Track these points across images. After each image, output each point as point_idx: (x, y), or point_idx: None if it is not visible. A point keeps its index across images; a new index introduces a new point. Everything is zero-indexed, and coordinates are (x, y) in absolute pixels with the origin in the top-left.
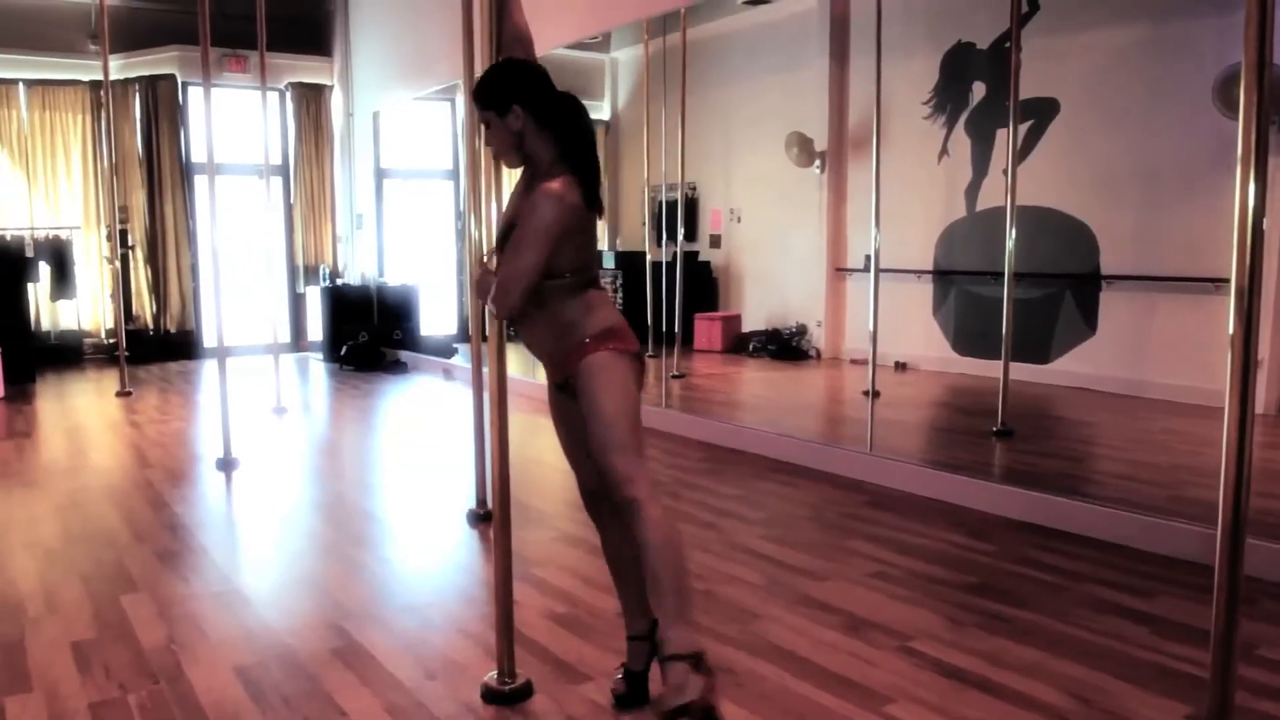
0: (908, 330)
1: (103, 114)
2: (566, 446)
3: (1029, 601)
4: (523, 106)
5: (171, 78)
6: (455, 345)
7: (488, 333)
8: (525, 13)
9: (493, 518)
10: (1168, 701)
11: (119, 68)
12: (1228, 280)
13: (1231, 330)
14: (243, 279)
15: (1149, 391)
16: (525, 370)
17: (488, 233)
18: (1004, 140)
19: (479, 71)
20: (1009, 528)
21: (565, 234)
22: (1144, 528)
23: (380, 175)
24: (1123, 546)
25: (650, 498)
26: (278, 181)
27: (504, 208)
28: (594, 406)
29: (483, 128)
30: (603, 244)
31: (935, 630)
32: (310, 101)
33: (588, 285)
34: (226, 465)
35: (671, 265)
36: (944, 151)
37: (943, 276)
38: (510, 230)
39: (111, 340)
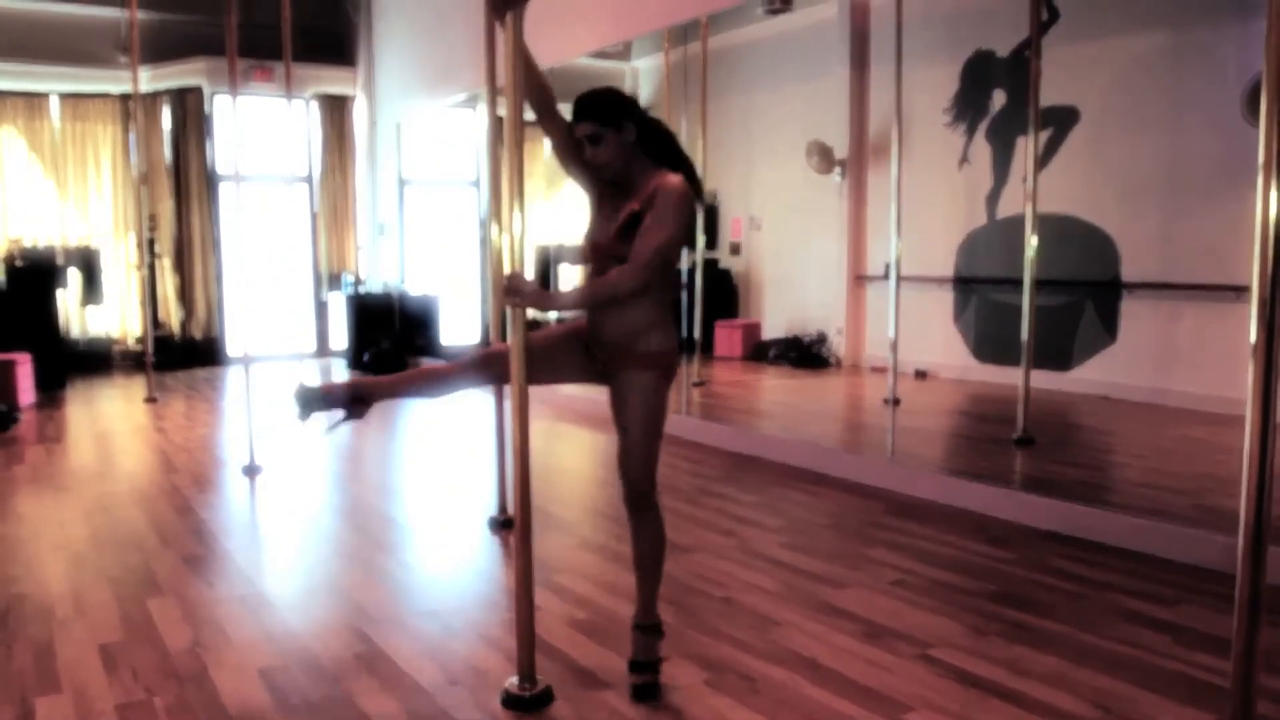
0: (928, 338)
1: (132, 125)
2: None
3: (1050, 610)
4: (633, 123)
5: (199, 89)
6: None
7: (509, 339)
8: (548, 21)
9: (514, 524)
10: (1191, 711)
11: (148, 79)
12: (1249, 288)
13: (1254, 339)
14: (268, 287)
15: (1171, 400)
16: None
17: (510, 240)
18: (1024, 148)
19: (501, 80)
20: (1030, 536)
21: (689, 222)
22: (1166, 536)
23: (403, 184)
24: (1145, 555)
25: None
26: (302, 190)
27: (593, 221)
28: (629, 418)
29: (588, 142)
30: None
31: (956, 638)
32: (334, 111)
33: (668, 288)
34: (251, 471)
35: (692, 273)
36: (964, 159)
37: (963, 284)
38: (634, 220)
39: (139, 347)
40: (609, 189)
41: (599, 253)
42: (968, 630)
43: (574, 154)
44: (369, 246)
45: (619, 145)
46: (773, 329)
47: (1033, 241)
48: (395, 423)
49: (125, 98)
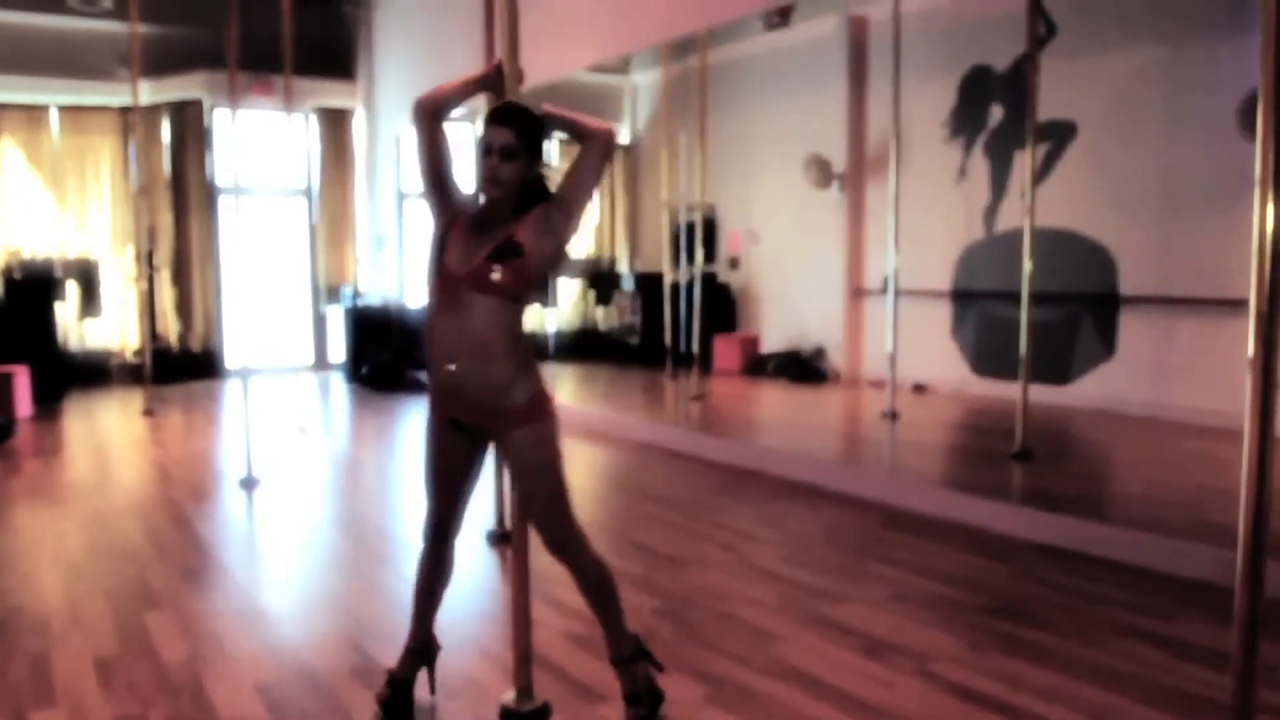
0: (926, 352)
1: (131, 138)
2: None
3: (1048, 624)
4: (541, 163)
5: (198, 102)
6: None
7: None
8: (548, 35)
9: (511, 538)
10: None
11: (148, 92)
12: (1247, 301)
13: (1251, 352)
14: (266, 299)
15: (1169, 413)
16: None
17: None
18: (1022, 162)
19: (505, 93)
20: (1028, 550)
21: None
22: (1165, 550)
23: (402, 197)
24: (1143, 569)
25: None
26: (302, 203)
27: (449, 250)
28: (528, 480)
29: (500, 153)
30: (622, 265)
31: (954, 652)
32: (334, 124)
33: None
34: (249, 484)
35: (690, 286)
36: (962, 173)
37: (961, 298)
38: (510, 249)
39: (137, 360)
40: (464, 219)
41: (455, 281)
42: (966, 644)
43: (445, 167)
44: (368, 259)
45: (522, 173)
46: (771, 342)
47: (1030, 255)
48: (393, 436)
49: (125, 110)
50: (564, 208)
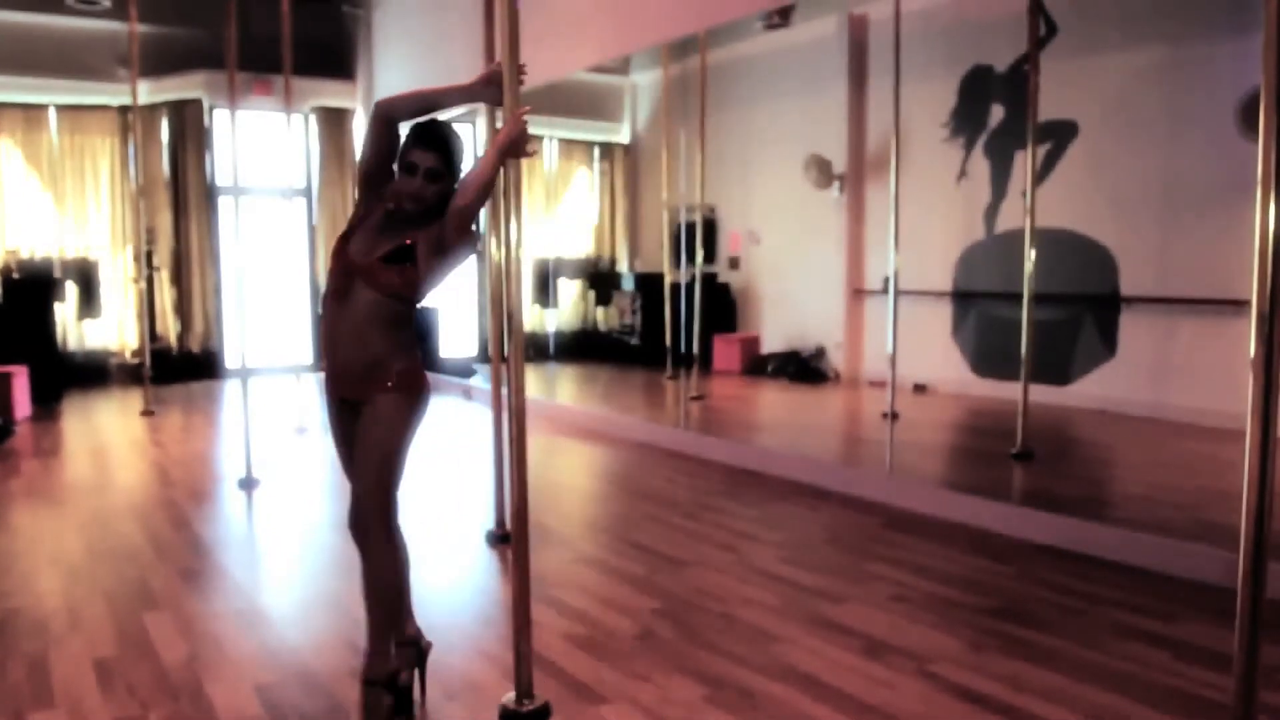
0: (927, 352)
1: (131, 138)
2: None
3: (1049, 625)
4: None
5: (198, 102)
6: (474, 366)
7: (507, 354)
8: (549, 36)
9: (511, 539)
10: None
11: (147, 92)
12: (1248, 302)
13: (1253, 353)
14: (266, 300)
15: (1170, 414)
16: (545, 392)
17: (508, 254)
18: (1022, 162)
19: (504, 95)
20: (1029, 551)
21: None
22: (1166, 551)
23: None
24: (1144, 570)
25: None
26: (301, 203)
27: (358, 236)
28: (368, 439)
29: (425, 174)
30: (622, 265)
31: (955, 654)
32: (333, 124)
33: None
34: (248, 484)
35: (690, 287)
36: (963, 173)
37: (962, 298)
38: (405, 252)
39: (137, 360)
40: (378, 213)
41: (351, 270)
42: (967, 645)
43: (386, 168)
44: None
45: (444, 192)
46: (771, 343)
47: (1031, 255)
48: None
49: (124, 110)
50: (455, 239)
